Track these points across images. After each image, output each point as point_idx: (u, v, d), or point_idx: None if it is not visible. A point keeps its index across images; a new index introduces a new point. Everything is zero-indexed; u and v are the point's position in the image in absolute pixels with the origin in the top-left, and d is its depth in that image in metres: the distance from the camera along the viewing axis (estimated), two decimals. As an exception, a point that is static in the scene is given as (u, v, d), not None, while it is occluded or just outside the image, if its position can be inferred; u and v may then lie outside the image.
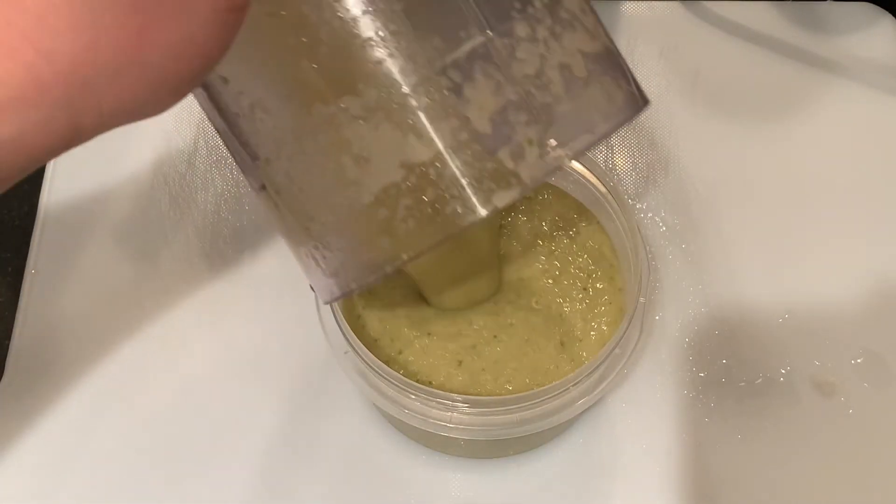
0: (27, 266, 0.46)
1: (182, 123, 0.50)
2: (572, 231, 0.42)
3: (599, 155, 0.49)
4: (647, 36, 0.52)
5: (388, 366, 0.36)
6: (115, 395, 0.43)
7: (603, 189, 0.41)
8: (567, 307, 0.40)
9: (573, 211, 0.42)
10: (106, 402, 0.43)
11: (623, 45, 0.51)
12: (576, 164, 0.41)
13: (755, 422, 0.42)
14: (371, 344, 0.38)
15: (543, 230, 0.42)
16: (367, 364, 0.36)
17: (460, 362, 0.38)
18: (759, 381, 0.43)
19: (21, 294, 0.46)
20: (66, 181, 0.48)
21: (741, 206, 0.47)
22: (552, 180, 0.42)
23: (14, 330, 0.45)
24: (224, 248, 0.47)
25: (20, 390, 0.44)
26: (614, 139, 0.49)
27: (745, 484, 0.41)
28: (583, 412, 0.39)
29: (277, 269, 0.46)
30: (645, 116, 0.50)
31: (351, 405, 0.43)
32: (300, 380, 0.43)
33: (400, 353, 0.38)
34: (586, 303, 0.40)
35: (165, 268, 0.46)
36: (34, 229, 0.47)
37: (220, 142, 0.50)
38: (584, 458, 0.41)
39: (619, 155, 0.49)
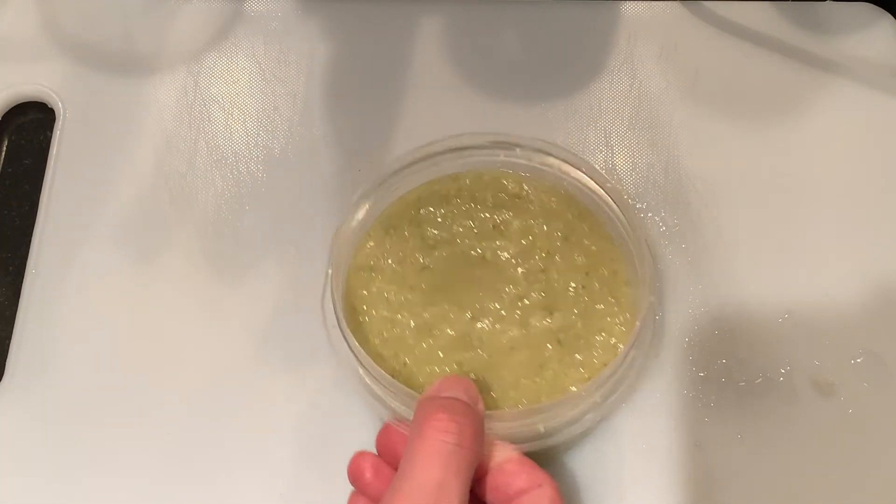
0: (27, 266, 0.46)
1: (182, 123, 0.50)
2: (572, 231, 0.41)
3: (599, 155, 0.49)
4: (647, 36, 0.52)
5: (392, 378, 0.37)
6: (115, 396, 0.43)
7: (601, 192, 0.41)
8: (568, 308, 0.39)
9: (571, 212, 0.42)
10: (106, 402, 0.43)
11: (623, 45, 0.52)
12: (570, 169, 0.41)
13: (755, 421, 0.42)
14: (374, 357, 0.39)
15: (541, 231, 0.41)
16: (382, 384, 0.36)
17: (461, 365, 0.38)
18: (759, 380, 0.43)
19: (21, 294, 0.46)
20: (66, 181, 0.48)
21: (741, 206, 0.47)
22: (547, 183, 0.42)
23: (14, 330, 0.45)
24: (224, 248, 0.47)
25: (20, 390, 0.44)
26: (614, 139, 0.49)
27: (744, 484, 0.41)
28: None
29: (278, 269, 0.46)
30: (645, 116, 0.50)
31: (353, 406, 0.43)
32: (301, 381, 0.43)
33: (405, 364, 0.39)
34: (591, 306, 0.39)
35: (165, 268, 0.46)
36: (34, 229, 0.47)
37: (220, 142, 0.50)
38: (584, 458, 0.41)
39: (619, 155, 0.49)
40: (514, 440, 0.36)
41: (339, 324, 0.37)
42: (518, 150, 0.42)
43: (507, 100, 0.50)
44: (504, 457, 0.34)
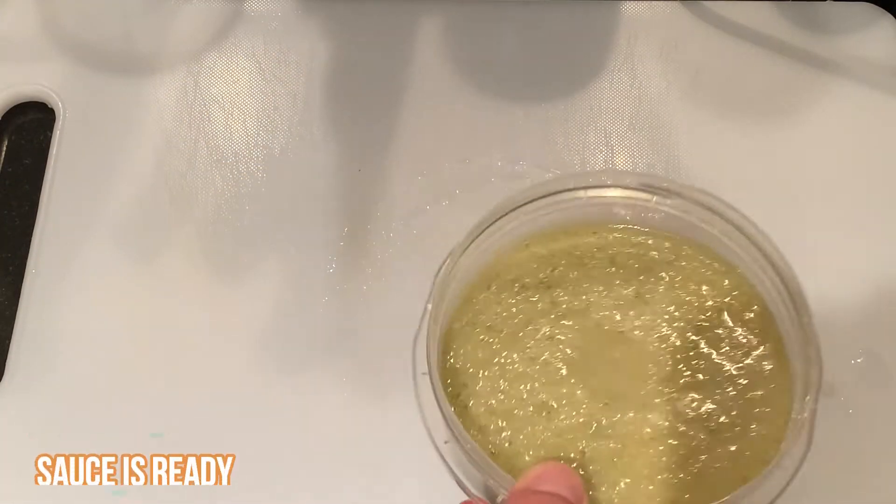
0: (27, 266, 0.46)
1: (182, 123, 0.50)
2: (729, 305, 0.36)
3: (599, 155, 0.49)
4: (647, 36, 0.52)
5: (492, 457, 0.32)
6: (115, 396, 0.43)
7: (763, 261, 0.36)
8: (723, 392, 0.34)
9: (729, 280, 0.36)
10: (106, 403, 0.43)
11: (623, 45, 0.52)
12: (731, 230, 0.36)
13: (755, 422, 0.42)
14: (475, 427, 0.34)
15: (692, 303, 0.36)
16: (474, 460, 0.31)
17: (583, 454, 0.33)
18: (759, 381, 0.43)
19: (21, 294, 0.46)
20: (66, 181, 0.48)
21: (741, 206, 0.47)
22: (703, 246, 0.36)
23: (14, 330, 0.45)
24: (224, 248, 0.47)
25: (20, 390, 0.44)
26: (614, 139, 0.49)
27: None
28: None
29: (278, 269, 0.46)
30: (645, 116, 0.50)
31: (365, 412, 0.43)
32: (301, 380, 0.43)
33: (509, 444, 0.33)
34: (749, 391, 0.34)
35: (165, 268, 0.46)
36: (34, 229, 0.47)
37: (220, 142, 0.50)
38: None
39: (619, 155, 0.49)
40: None
41: (432, 383, 0.32)
42: (673, 199, 0.36)
43: (507, 100, 0.50)
44: None
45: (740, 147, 0.49)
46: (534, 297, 0.36)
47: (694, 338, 0.35)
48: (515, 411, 0.34)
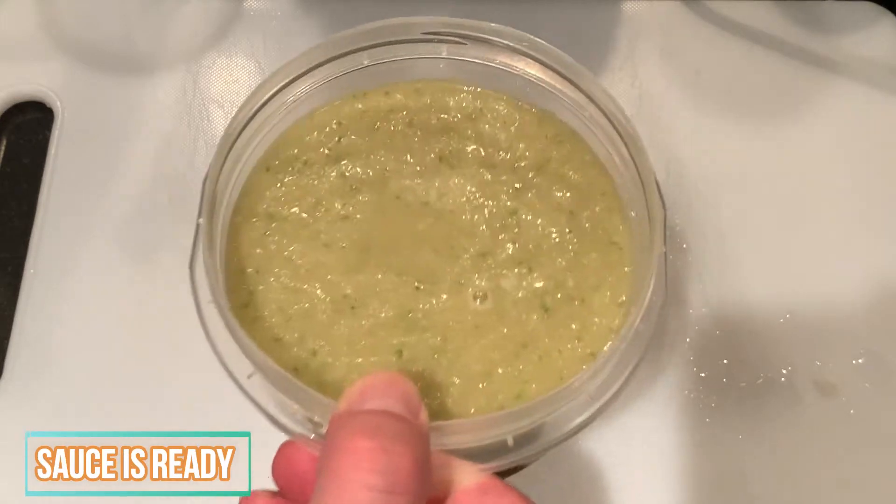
0: (26, 266, 0.46)
1: (182, 124, 0.50)
2: (547, 159, 0.31)
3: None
4: (647, 36, 0.52)
5: (298, 375, 0.27)
6: (115, 396, 0.43)
7: (586, 102, 0.31)
8: (552, 261, 0.30)
9: (546, 132, 0.32)
10: (105, 403, 0.43)
11: (623, 45, 0.52)
12: (544, 73, 0.31)
13: (756, 422, 0.42)
14: (270, 343, 0.28)
15: (506, 160, 0.31)
16: (275, 383, 0.26)
17: (400, 353, 0.28)
18: (760, 381, 0.43)
19: (20, 294, 0.46)
20: (65, 181, 0.48)
21: (742, 206, 0.47)
22: (512, 94, 0.32)
23: (13, 330, 0.45)
24: (224, 248, 0.47)
25: (20, 390, 0.43)
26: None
27: (746, 484, 0.41)
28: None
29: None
30: (646, 116, 0.50)
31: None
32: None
33: (314, 354, 0.28)
34: (582, 256, 0.30)
35: (165, 268, 0.46)
36: (33, 229, 0.47)
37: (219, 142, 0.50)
38: (582, 459, 0.41)
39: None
40: (472, 457, 0.25)
41: (214, 295, 0.27)
42: (468, 45, 0.31)
43: (507, 99, 0.50)
44: (463, 482, 0.24)
45: (741, 146, 0.49)
46: (320, 172, 0.31)
47: (511, 203, 0.30)
48: (315, 314, 0.28)
